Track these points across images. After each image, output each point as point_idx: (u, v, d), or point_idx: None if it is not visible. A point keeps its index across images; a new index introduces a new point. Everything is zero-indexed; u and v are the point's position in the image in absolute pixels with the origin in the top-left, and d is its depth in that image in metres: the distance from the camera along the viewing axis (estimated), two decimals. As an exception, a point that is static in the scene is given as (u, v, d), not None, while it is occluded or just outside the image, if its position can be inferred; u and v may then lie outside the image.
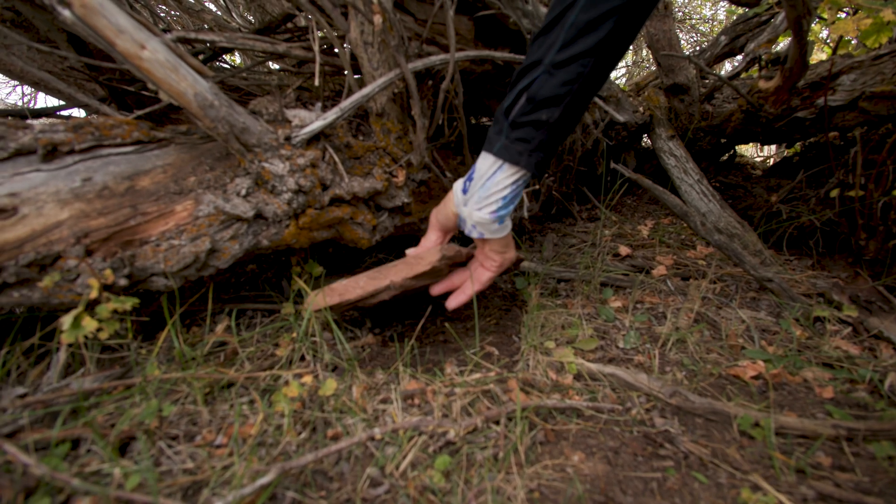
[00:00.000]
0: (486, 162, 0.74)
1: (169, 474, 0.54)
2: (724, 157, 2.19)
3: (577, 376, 0.87)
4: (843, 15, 1.64)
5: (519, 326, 1.09)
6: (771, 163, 2.54)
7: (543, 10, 1.25)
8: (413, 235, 1.32)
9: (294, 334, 0.87)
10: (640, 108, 1.97)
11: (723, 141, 1.95)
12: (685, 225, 1.72)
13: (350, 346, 0.93)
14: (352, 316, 1.07)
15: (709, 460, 0.66)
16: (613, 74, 4.30)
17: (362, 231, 0.98)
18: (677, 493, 0.60)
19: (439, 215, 0.84)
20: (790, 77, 1.23)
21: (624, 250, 1.50)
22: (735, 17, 1.92)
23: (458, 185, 0.80)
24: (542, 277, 1.33)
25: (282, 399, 0.63)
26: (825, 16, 1.58)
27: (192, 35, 0.80)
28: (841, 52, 1.67)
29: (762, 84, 1.34)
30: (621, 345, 1.04)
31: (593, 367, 0.87)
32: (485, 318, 1.17)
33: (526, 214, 1.15)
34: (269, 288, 1.06)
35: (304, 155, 0.81)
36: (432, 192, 1.20)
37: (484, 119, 1.57)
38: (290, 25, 1.11)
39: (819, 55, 2.27)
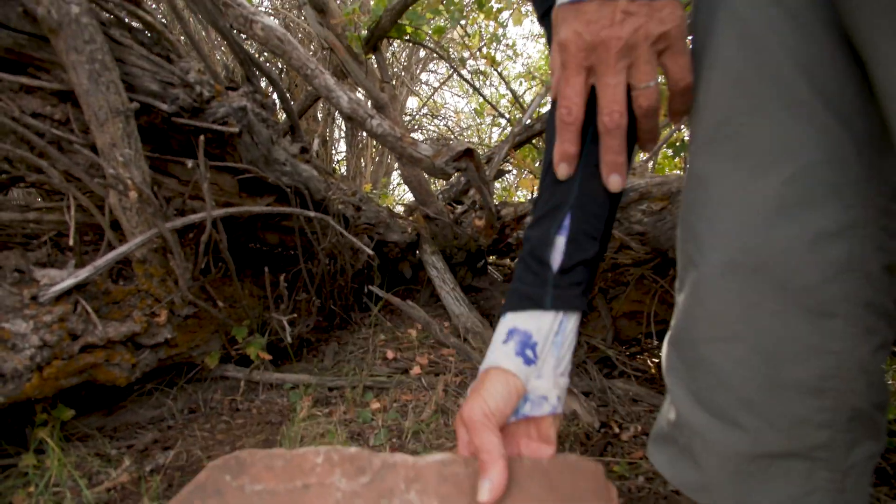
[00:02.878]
0: (541, 320, 0.63)
1: None
2: (480, 265, 2.74)
3: (321, 479, 1.04)
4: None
5: (282, 440, 1.22)
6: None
7: (303, 167, 1.54)
8: (186, 363, 1.38)
9: (32, 488, 0.87)
10: (409, 229, 2.39)
11: (473, 252, 2.47)
12: (445, 325, 2.10)
13: (101, 488, 0.95)
14: (107, 454, 1.08)
15: (405, 530, 0.89)
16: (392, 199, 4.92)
17: (119, 371, 1.04)
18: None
19: (490, 410, 0.55)
20: (488, 220, 1.72)
21: (390, 354, 1.78)
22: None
23: (506, 361, 0.59)
24: (314, 387, 1.50)
25: (4, 559, 0.67)
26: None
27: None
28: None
29: (476, 222, 1.83)
30: (372, 442, 1.25)
31: (334, 468, 1.06)
32: (255, 435, 1.28)
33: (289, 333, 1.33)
34: (4, 441, 1.02)
35: (51, 312, 0.89)
36: (202, 321, 1.32)
37: (259, 245, 1.76)
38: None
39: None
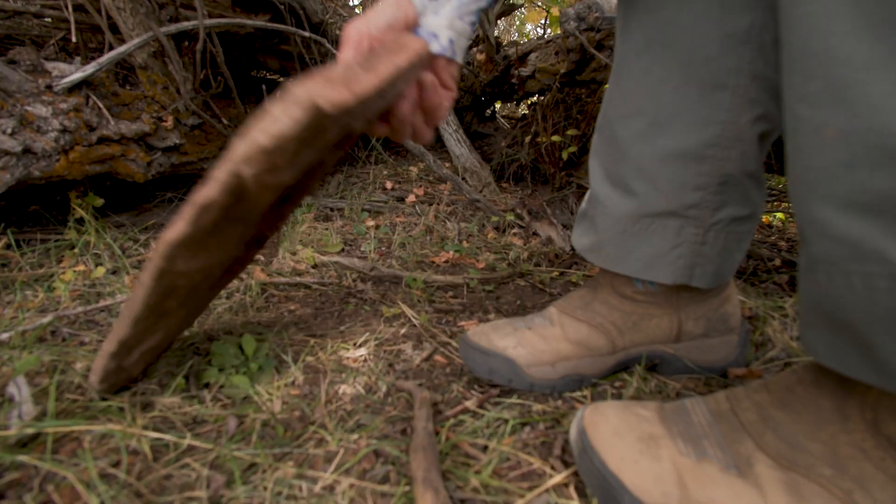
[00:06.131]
0: None
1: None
2: (488, 112, 2.72)
3: (314, 265, 1.23)
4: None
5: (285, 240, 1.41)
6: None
7: (298, -17, 1.50)
8: (196, 174, 1.53)
9: (76, 250, 1.07)
10: (415, 69, 2.35)
11: (482, 98, 2.45)
12: (445, 165, 2.19)
13: (133, 259, 1.15)
14: (137, 238, 1.28)
15: (378, 299, 1.07)
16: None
17: (136, 166, 1.19)
18: (348, 316, 0.99)
19: (367, 29, 0.58)
20: (487, 53, 1.69)
21: (389, 184, 1.90)
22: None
23: None
24: (316, 206, 1.66)
25: (59, 283, 0.87)
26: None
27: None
28: (555, 30, 2.24)
29: (478, 56, 1.80)
30: (363, 248, 1.43)
31: (325, 258, 1.24)
32: (263, 238, 1.47)
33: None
34: (53, 223, 1.21)
35: (66, 101, 1.00)
36: (209, 135, 1.43)
37: (263, 73, 1.79)
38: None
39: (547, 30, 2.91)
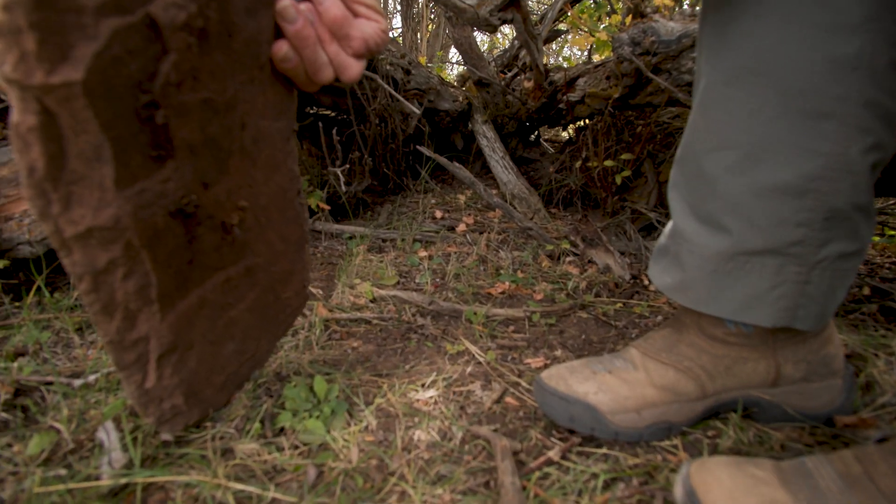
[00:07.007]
0: None
1: (55, 367, 0.78)
2: (532, 137, 2.71)
3: (372, 300, 1.23)
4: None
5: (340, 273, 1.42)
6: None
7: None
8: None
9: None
10: (460, 98, 2.38)
11: (527, 124, 2.44)
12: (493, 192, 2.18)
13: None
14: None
15: (439, 335, 1.06)
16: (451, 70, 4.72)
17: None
18: (411, 353, 0.98)
19: None
20: (536, 80, 1.69)
21: (439, 214, 1.91)
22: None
23: None
24: (369, 238, 1.67)
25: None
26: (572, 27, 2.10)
27: None
28: (598, 57, 2.22)
29: (525, 84, 1.80)
30: (418, 280, 1.42)
31: (383, 292, 1.23)
32: (319, 270, 1.49)
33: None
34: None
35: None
36: (268, 173, 1.47)
37: (316, 109, 1.85)
38: None
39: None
